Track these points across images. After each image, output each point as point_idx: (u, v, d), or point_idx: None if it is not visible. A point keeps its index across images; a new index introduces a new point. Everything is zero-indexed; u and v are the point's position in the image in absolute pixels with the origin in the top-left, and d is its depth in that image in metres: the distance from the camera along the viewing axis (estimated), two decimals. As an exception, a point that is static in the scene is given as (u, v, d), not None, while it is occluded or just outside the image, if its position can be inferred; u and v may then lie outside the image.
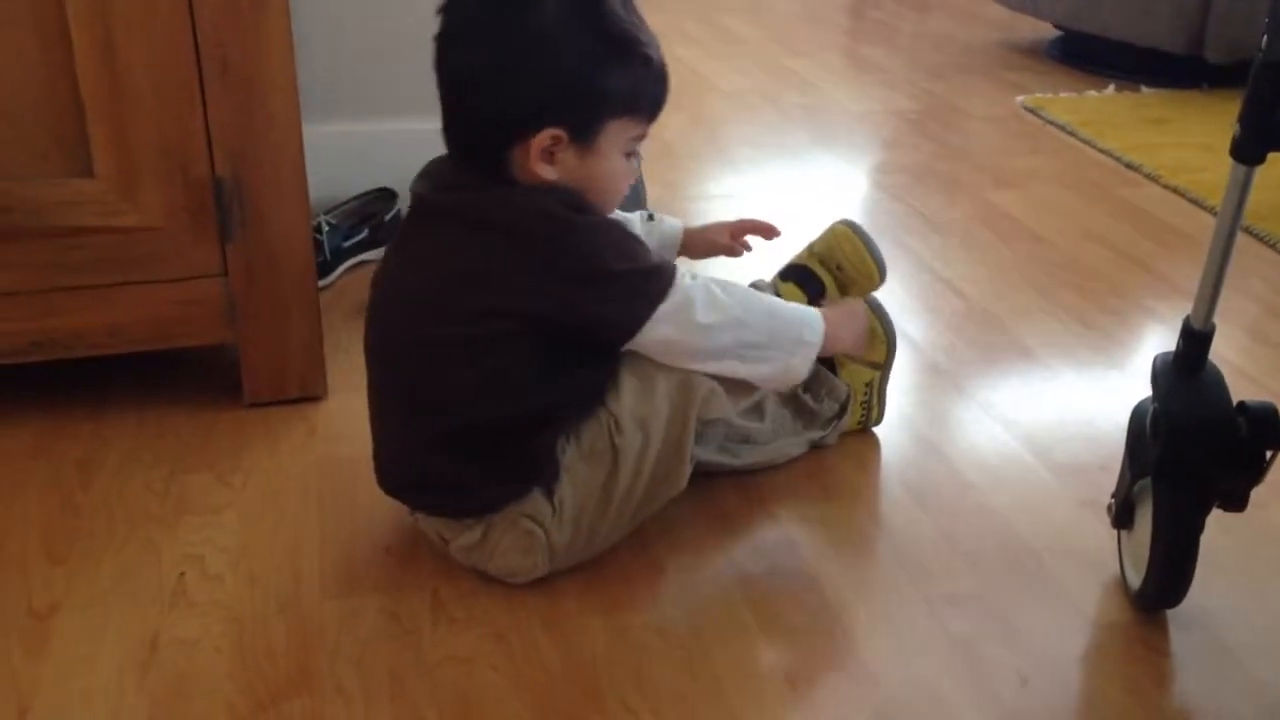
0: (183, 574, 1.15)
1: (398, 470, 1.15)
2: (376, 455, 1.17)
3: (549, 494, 1.10)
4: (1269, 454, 0.97)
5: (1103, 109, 2.70)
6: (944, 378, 1.56)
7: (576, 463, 1.10)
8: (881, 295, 1.42)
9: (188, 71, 1.29)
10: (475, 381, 1.07)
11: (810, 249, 1.38)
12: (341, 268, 1.78)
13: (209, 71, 1.30)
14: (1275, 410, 0.95)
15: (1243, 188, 0.94)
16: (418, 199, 1.11)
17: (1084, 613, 1.14)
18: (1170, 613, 1.11)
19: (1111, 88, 2.85)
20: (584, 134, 1.04)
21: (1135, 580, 1.10)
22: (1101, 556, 1.20)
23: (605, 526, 1.13)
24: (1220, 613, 1.12)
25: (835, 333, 1.16)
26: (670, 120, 2.65)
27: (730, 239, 1.38)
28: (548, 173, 1.04)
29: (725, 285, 1.11)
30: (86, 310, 1.35)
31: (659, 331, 1.06)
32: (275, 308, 1.40)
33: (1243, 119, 0.93)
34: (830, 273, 1.35)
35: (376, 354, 1.15)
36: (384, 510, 1.23)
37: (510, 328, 1.04)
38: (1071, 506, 1.29)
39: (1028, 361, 1.61)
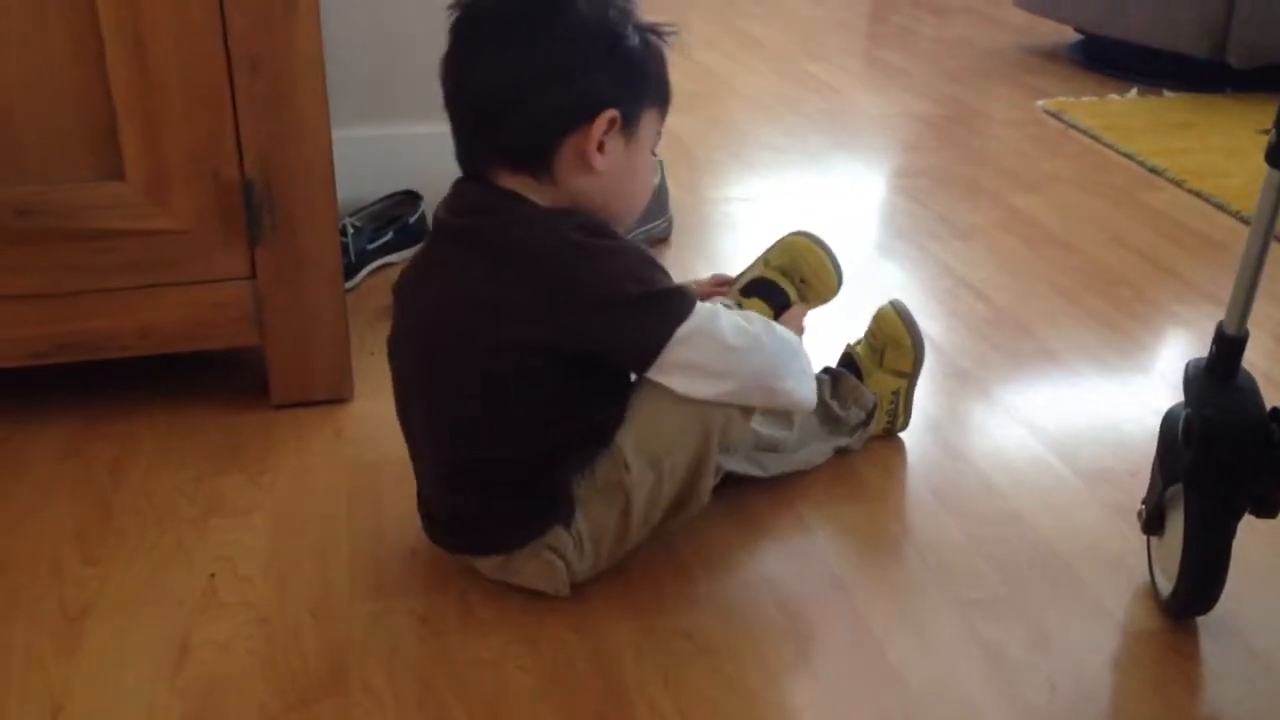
0: (213, 575, 1.15)
1: (428, 497, 1.16)
2: (420, 491, 1.18)
3: (567, 527, 1.10)
4: (1302, 460, 0.97)
5: (1125, 113, 2.69)
6: (970, 383, 1.56)
7: (591, 497, 1.10)
8: (904, 298, 1.42)
9: (218, 75, 1.30)
10: (487, 413, 1.06)
11: (765, 261, 1.32)
12: (366, 270, 1.79)
13: (239, 75, 1.30)
14: (1309, 417, 0.95)
15: (1277, 193, 0.94)
16: (438, 223, 1.11)
17: (1114, 619, 1.13)
18: (1200, 619, 1.11)
19: (1134, 92, 2.84)
20: (630, 119, 1.06)
21: (1166, 587, 1.10)
22: (1130, 562, 1.19)
23: (627, 547, 1.14)
24: (1251, 618, 1.11)
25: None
26: (689, 123, 2.67)
27: (709, 289, 1.34)
28: (599, 163, 1.05)
29: (746, 315, 1.10)
30: (115, 312, 1.36)
31: (681, 354, 1.03)
32: (303, 310, 1.40)
33: (1278, 124, 0.92)
34: (794, 285, 1.30)
35: (399, 370, 1.15)
36: (411, 513, 1.23)
37: (526, 360, 1.03)
38: (1100, 512, 1.29)
39: (1054, 366, 1.61)
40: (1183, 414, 1.03)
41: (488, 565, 1.13)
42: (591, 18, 1.03)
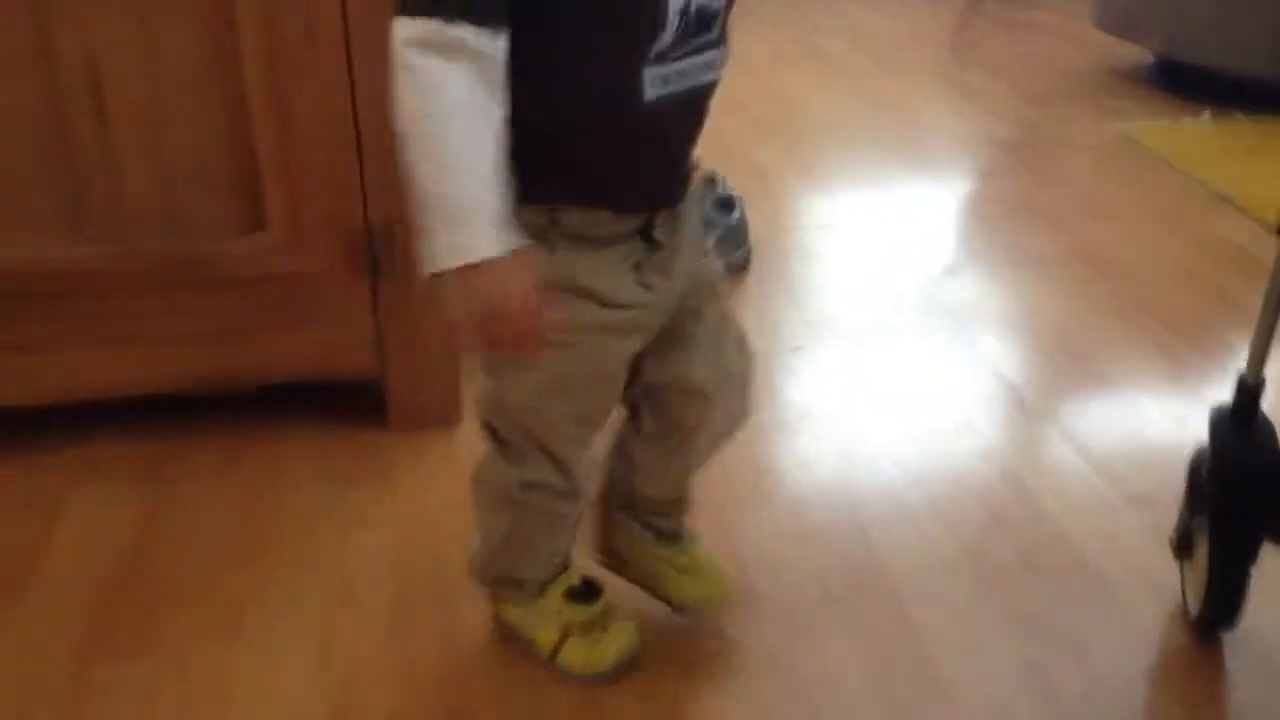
0: (349, 582, 1.32)
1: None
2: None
3: None
4: (1314, 498, 1.08)
5: (1197, 138, 2.76)
6: (1025, 407, 1.68)
7: None
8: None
9: (348, 133, 1.47)
10: None
11: None
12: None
13: (366, 132, 1.47)
14: (1318, 459, 1.06)
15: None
16: None
17: (1148, 636, 1.25)
18: (1227, 636, 1.22)
19: (1206, 115, 2.90)
20: None
21: (1194, 606, 1.21)
22: (1167, 583, 1.30)
23: None
24: (1271, 634, 1.22)
25: (469, 284, 0.88)
26: (768, 155, 2.78)
27: None
28: None
29: (457, 106, 0.85)
30: (258, 347, 1.54)
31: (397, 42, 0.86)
32: (417, 344, 1.57)
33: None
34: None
35: None
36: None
37: None
38: (1143, 536, 1.39)
39: (1109, 392, 1.72)
40: (1207, 456, 1.15)
41: None
42: None
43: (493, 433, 1.10)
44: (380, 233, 1.51)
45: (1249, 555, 1.13)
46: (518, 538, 1.14)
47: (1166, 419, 1.65)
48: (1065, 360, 1.81)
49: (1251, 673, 1.19)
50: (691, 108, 0.98)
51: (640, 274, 1.01)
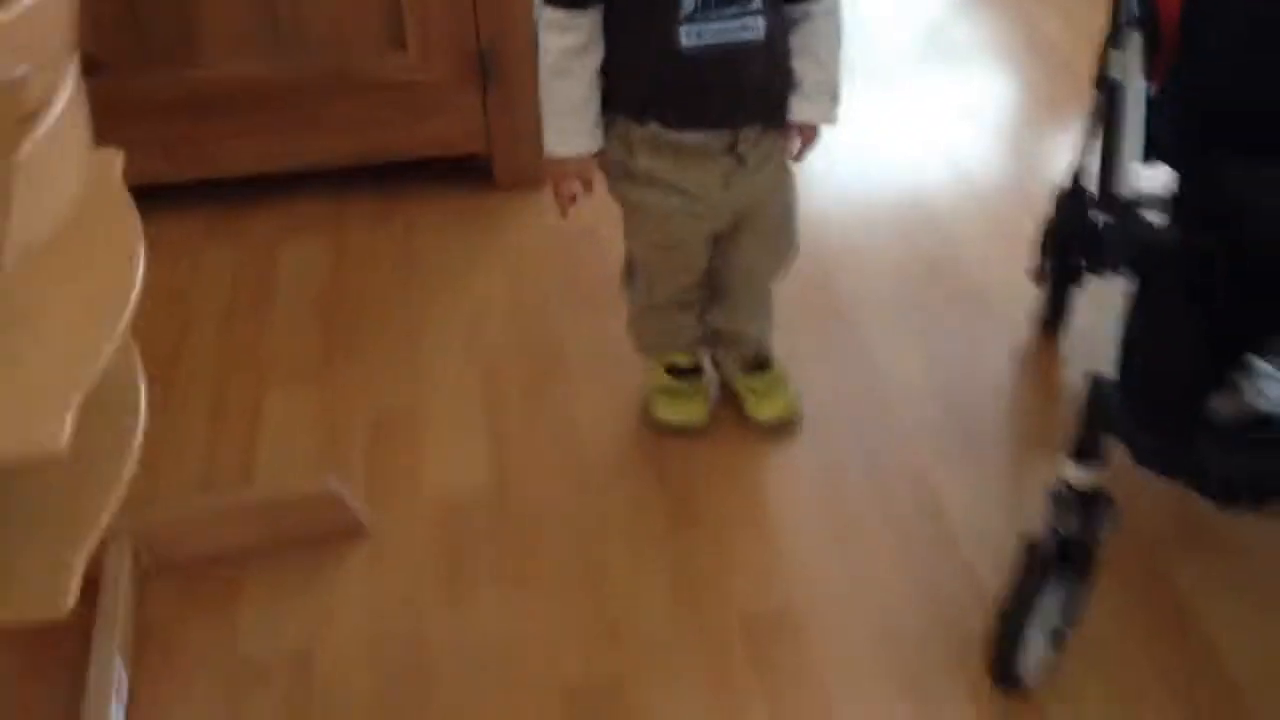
0: (476, 312, 1.96)
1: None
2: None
3: None
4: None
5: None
6: (961, 171, 2.25)
7: None
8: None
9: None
10: None
11: None
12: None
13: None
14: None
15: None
16: None
17: (1014, 330, 1.88)
18: (1061, 333, 1.86)
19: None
20: None
21: (1041, 312, 1.85)
22: (1027, 298, 1.91)
23: None
24: (1087, 331, 1.83)
25: (551, 168, 1.49)
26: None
27: None
28: None
29: (562, 67, 1.39)
30: (398, 133, 2.14)
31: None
32: (517, 129, 2.15)
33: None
34: None
35: None
36: (597, 267, 2.01)
37: None
38: (1018, 265, 1.95)
39: (1031, 164, 2.29)
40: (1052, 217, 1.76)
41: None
42: None
43: (627, 263, 1.66)
44: (489, 52, 2.07)
45: (1073, 281, 1.76)
46: (640, 321, 1.71)
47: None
48: (1005, 139, 2.37)
49: (1073, 351, 1.84)
50: (732, 57, 1.37)
51: (728, 179, 1.47)
